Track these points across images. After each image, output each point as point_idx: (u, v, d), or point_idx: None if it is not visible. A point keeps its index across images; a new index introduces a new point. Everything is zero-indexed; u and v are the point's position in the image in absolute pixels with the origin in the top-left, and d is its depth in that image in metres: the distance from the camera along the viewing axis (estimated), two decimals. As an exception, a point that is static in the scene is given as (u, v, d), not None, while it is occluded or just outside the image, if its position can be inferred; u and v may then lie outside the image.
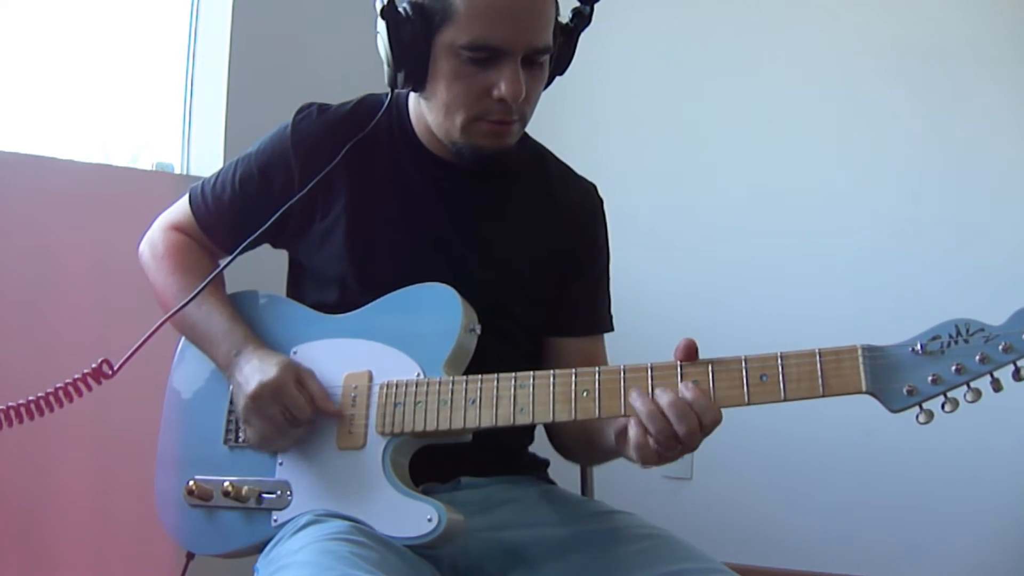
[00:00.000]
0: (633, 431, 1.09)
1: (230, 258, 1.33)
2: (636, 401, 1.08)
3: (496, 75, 1.19)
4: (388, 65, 1.24)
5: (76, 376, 1.22)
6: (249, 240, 1.31)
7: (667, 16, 2.91)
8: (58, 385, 1.21)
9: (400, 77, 1.24)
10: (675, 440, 1.07)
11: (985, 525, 2.52)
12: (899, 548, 2.57)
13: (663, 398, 1.07)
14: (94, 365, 1.22)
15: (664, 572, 1.15)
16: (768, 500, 2.69)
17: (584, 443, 1.32)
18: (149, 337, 1.27)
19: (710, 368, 1.08)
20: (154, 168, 2.30)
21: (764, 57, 2.79)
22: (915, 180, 2.65)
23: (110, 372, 1.23)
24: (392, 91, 1.30)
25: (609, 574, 1.17)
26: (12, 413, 1.19)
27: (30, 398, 1.20)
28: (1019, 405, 2.45)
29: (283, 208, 1.30)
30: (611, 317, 1.45)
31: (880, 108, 2.69)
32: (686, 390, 1.07)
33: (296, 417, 1.21)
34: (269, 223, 1.30)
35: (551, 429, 1.39)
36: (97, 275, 1.94)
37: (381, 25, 1.22)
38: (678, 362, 1.09)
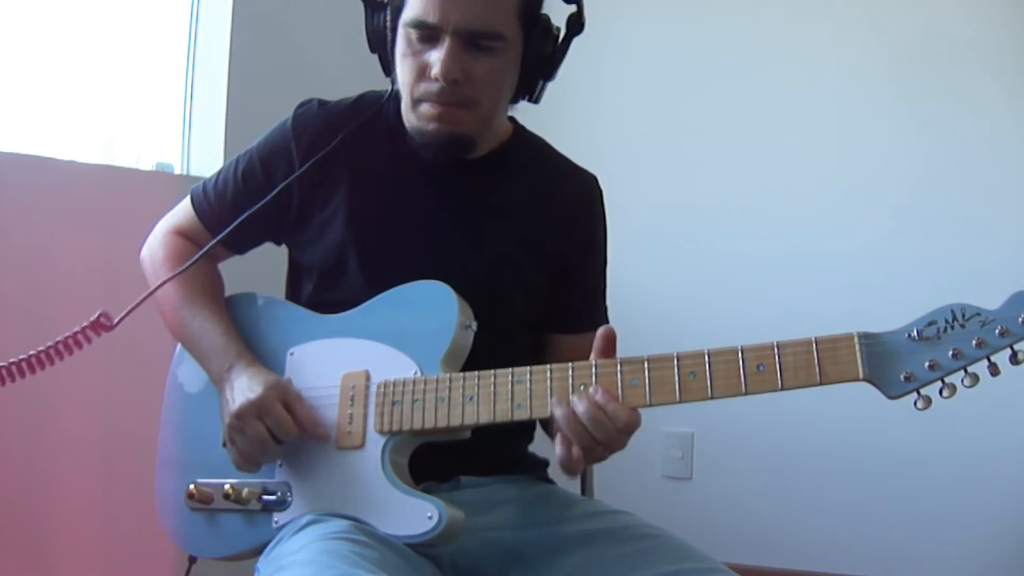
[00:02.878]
0: (559, 445, 1.13)
1: (224, 231, 1.34)
2: (556, 408, 1.12)
3: (433, 54, 1.22)
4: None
5: (75, 329, 1.22)
6: (246, 215, 1.32)
7: (667, 17, 2.91)
8: (58, 339, 1.21)
9: (381, 62, 1.31)
10: (595, 443, 1.10)
11: (986, 525, 2.52)
12: (899, 548, 2.57)
13: (579, 406, 1.10)
14: (92, 318, 1.22)
15: (664, 572, 1.15)
16: (768, 500, 2.69)
17: None
18: (150, 294, 1.29)
19: (706, 359, 1.08)
20: (154, 168, 2.30)
21: (763, 57, 2.79)
22: (914, 180, 2.65)
23: (109, 324, 1.22)
24: (393, 84, 1.32)
25: (609, 574, 1.17)
26: (14, 368, 1.19)
27: (31, 352, 1.19)
28: (1019, 405, 2.46)
29: (280, 186, 1.32)
30: (607, 310, 1.46)
31: (879, 108, 2.68)
32: (597, 394, 1.10)
33: (278, 437, 1.21)
34: (267, 198, 1.32)
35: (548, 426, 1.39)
36: (98, 275, 1.94)
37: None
38: (675, 354, 1.10)
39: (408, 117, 1.28)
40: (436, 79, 1.21)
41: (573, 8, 1.29)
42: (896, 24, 2.69)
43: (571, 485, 1.45)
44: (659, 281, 2.79)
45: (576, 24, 1.29)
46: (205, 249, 1.34)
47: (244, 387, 1.23)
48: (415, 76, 1.24)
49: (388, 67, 1.30)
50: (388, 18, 1.26)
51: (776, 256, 2.73)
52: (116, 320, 1.23)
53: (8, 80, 2.01)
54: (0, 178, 1.84)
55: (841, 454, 2.62)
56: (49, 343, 1.21)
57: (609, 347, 1.14)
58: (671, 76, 2.88)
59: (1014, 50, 2.58)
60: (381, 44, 1.29)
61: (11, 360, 1.19)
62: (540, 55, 1.29)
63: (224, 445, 1.31)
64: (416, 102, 1.25)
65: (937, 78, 2.64)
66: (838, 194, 2.70)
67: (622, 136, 2.89)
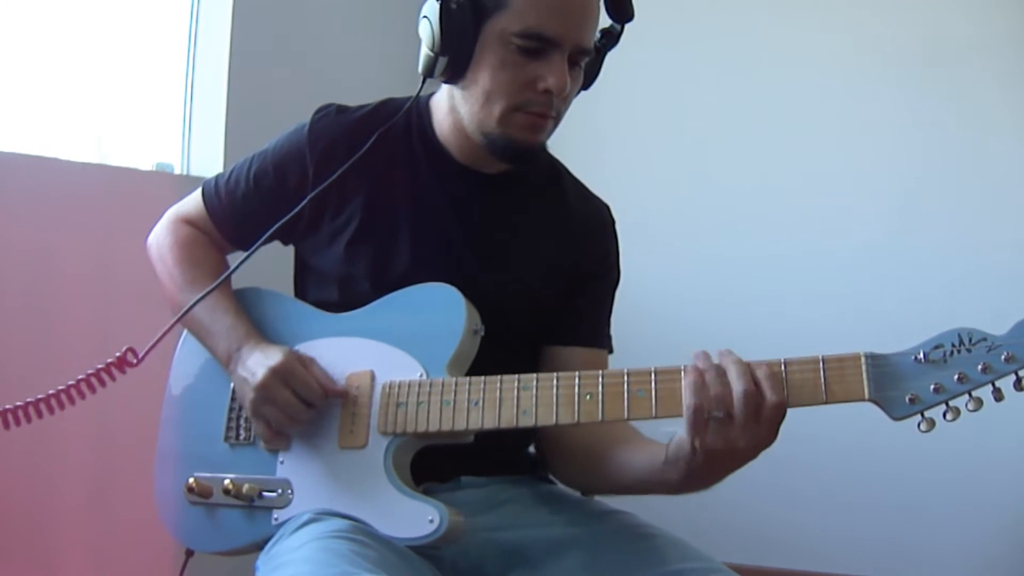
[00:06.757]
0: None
1: (245, 256, 1.33)
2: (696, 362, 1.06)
3: (544, 67, 1.20)
4: (431, 51, 1.23)
5: (100, 366, 1.21)
6: (263, 239, 1.31)
7: (668, 19, 2.91)
8: (80, 376, 1.20)
9: (441, 63, 1.23)
10: (729, 420, 1.04)
11: (985, 525, 2.52)
12: (899, 548, 2.57)
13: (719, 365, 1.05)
14: (118, 354, 1.21)
15: (664, 572, 1.15)
16: (768, 500, 2.69)
17: (594, 465, 1.29)
18: (174, 324, 1.28)
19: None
20: (154, 168, 2.30)
21: (764, 58, 2.79)
22: (915, 180, 2.65)
23: (135, 361, 1.21)
24: (422, 85, 1.29)
25: (609, 574, 1.17)
26: (32, 409, 1.18)
27: (50, 391, 1.18)
28: (1019, 406, 2.45)
29: (299, 206, 1.30)
30: (610, 337, 1.42)
31: (880, 109, 2.69)
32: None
33: (307, 399, 1.21)
34: (283, 221, 1.30)
35: (551, 455, 1.37)
36: (97, 276, 1.94)
37: (431, 9, 1.21)
38: (681, 366, 1.09)
39: (488, 125, 1.24)
40: (546, 91, 1.20)
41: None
42: (896, 24, 2.69)
43: (571, 485, 1.44)
44: (660, 284, 2.78)
45: (615, 37, 1.32)
46: (226, 275, 1.32)
47: (261, 359, 1.23)
48: (517, 87, 1.21)
49: (456, 69, 1.23)
50: (473, 21, 1.20)
51: (777, 256, 2.73)
52: (141, 356, 1.22)
53: (9, 80, 2.01)
54: (0, 178, 1.84)
55: (841, 454, 2.62)
56: (71, 381, 1.19)
57: None
58: (672, 78, 2.89)
59: (1014, 50, 2.59)
60: (459, 46, 1.21)
61: (28, 400, 1.18)
62: (588, 70, 1.31)
63: (226, 439, 1.31)
64: (513, 110, 1.23)
65: (938, 78, 2.64)
66: (840, 194, 2.71)
67: (624, 140, 2.90)
